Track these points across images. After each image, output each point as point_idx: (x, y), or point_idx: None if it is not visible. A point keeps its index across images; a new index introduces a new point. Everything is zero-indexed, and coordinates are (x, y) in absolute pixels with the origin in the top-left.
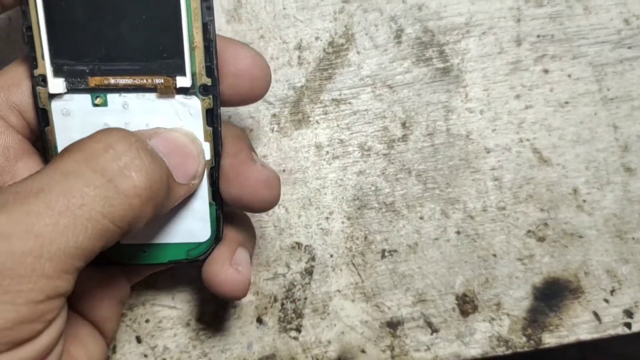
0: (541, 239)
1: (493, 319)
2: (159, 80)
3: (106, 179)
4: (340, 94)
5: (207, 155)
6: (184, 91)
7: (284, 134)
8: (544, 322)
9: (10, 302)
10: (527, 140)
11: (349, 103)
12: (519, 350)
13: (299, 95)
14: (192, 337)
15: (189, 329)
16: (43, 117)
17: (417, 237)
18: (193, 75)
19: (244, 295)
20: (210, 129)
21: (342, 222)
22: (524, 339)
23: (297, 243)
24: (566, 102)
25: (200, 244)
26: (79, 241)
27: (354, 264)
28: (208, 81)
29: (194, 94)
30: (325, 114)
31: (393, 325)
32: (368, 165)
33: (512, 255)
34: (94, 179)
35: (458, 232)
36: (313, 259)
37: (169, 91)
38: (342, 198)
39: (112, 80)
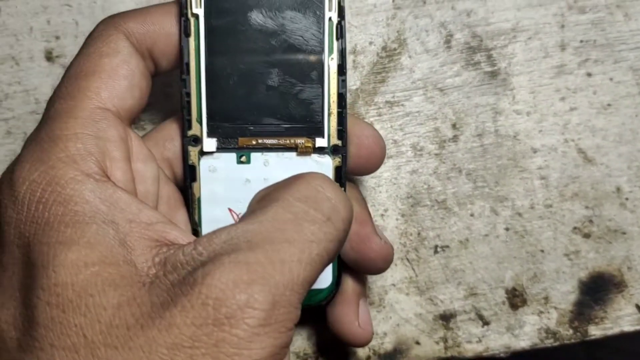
0: (586, 236)
1: (541, 312)
2: (300, 141)
3: (326, 217)
4: (393, 97)
5: None
6: (319, 150)
7: None
8: (590, 315)
9: (278, 330)
10: (572, 140)
11: (402, 105)
12: (566, 342)
13: (354, 98)
14: None
15: None
16: (191, 173)
17: (468, 234)
18: (328, 137)
19: (366, 345)
20: (337, 184)
21: (397, 219)
22: (571, 331)
23: None
24: (609, 105)
25: (322, 290)
26: (311, 275)
27: (408, 259)
28: (339, 142)
29: (327, 153)
30: (379, 115)
31: (446, 317)
32: (420, 164)
33: (559, 251)
34: (318, 217)
35: (507, 229)
36: None
37: (308, 150)
38: (396, 196)
39: (259, 141)
